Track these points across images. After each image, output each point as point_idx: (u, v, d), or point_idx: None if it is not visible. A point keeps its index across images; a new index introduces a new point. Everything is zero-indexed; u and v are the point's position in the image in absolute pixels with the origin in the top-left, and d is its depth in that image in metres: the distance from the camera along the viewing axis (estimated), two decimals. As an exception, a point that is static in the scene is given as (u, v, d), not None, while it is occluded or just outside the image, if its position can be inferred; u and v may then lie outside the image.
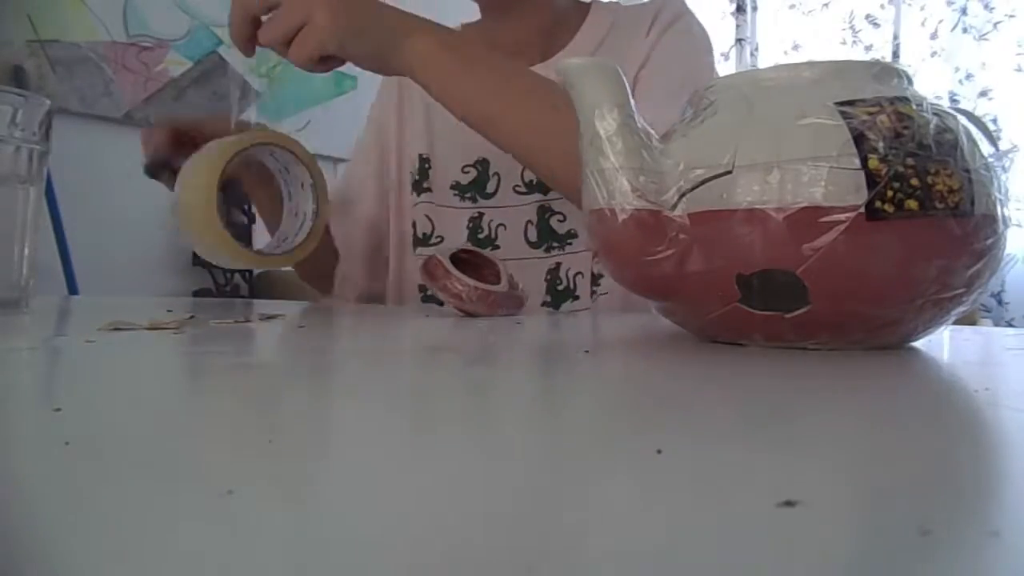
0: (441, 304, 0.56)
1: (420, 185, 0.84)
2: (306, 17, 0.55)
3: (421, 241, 0.84)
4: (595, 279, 0.78)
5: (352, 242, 0.88)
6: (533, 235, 0.79)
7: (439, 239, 0.82)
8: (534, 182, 0.78)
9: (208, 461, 0.15)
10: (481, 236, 0.80)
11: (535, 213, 0.79)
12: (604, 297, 0.76)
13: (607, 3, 0.86)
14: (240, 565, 0.10)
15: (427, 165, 0.84)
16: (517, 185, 0.79)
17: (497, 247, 0.79)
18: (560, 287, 0.78)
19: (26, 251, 0.52)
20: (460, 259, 0.58)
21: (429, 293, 0.75)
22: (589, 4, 0.85)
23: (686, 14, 0.81)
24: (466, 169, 0.81)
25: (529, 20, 0.81)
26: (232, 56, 2.21)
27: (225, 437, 0.17)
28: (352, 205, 0.88)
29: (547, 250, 0.78)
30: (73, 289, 1.70)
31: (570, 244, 0.78)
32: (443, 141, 0.84)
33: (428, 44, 0.57)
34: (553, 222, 0.78)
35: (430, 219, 0.83)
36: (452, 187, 0.82)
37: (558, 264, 0.78)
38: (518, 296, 0.58)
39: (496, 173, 0.80)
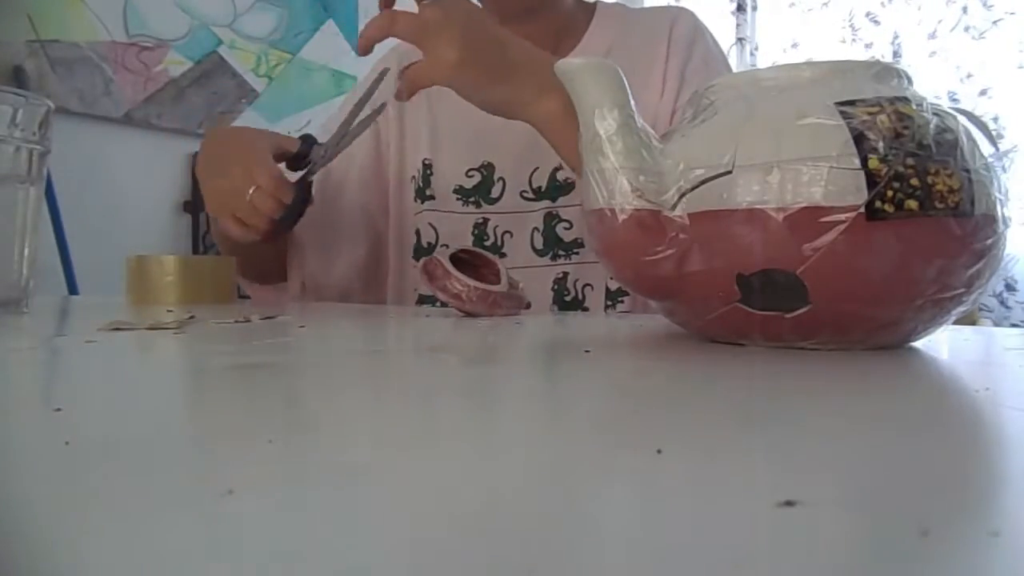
0: (444, 305, 0.56)
1: (423, 192, 0.82)
2: (432, 45, 0.55)
3: (426, 251, 0.82)
4: (613, 295, 0.76)
5: (338, 239, 0.83)
6: (539, 242, 0.78)
7: (444, 248, 0.81)
8: (543, 188, 0.77)
9: (208, 461, 0.15)
10: (487, 243, 0.79)
11: (542, 220, 0.77)
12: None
13: (612, 3, 0.85)
14: (240, 565, 0.10)
15: (429, 171, 0.82)
16: (524, 191, 0.77)
17: (504, 255, 0.78)
18: (568, 298, 0.77)
19: (26, 251, 0.52)
20: (460, 259, 0.58)
21: (437, 304, 0.74)
22: (594, 5, 0.84)
23: (703, 31, 0.81)
24: (470, 173, 0.79)
25: (537, 23, 0.79)
26: (232, 56, 2.21)
27: (225, 437, 0.17)
28: (338, 195, 0.83)
29: (553, 258, 0.77)
30: (73, 289, 1.70)
31: (576, 253, 0.76)
32: (447, 144, 0.82)
33: (554, 108, 0.58)
34: (559, 229, 0.77)
35: (434, 227, 0.81)
36: (455, 191, 0.80)
37: (565, 274, 0.77)
38: (518, 296, 0.58)
39: (501, 178, 0.79)
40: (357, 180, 0.85)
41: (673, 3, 2.86)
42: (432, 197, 0.82)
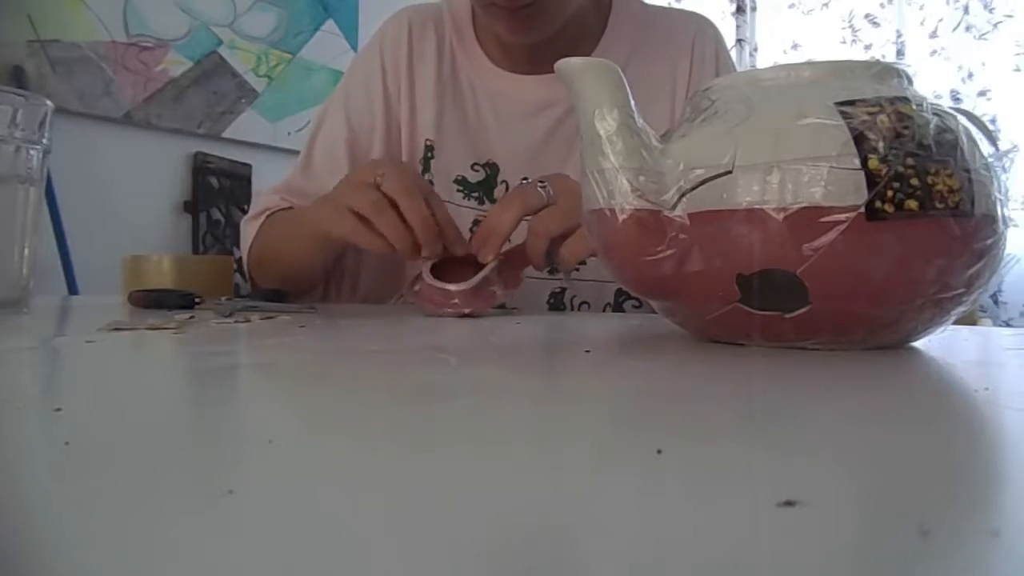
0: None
1: (422, 175, 0.79)
2: (565, 201, 0.57)
3: None
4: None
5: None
6: None
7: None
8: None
9: (208, 461, 0.15)
10: None
11: None
12: None
13: (628, 1, 0.81)
14: (240, 565, 0.10)
15: (430, 154, 0.79)
16: None
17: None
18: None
19: (26, 251, 0.52)
20: (455, 260, 0.58)
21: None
22: (610, 4, 0.80)
23: (724, 45, 0.81)
24: (475, 167, 0.77)
25: (556, 36, 0.74)
26: (232, 56, 2.21)
27: (225, 437, 0.17)
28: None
29: (551, 272, 0.74)
30: (73, 289, 1.70)
31: (577, 270, 0.74)
32: (452, 132, 0.79)
33: None
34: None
35: None
36: (456, 181, 0.77)
37: (562, 289, 0.76)
38: (488, 292, 0.57)
39: (504, 181, 0.77)
40: (381, 150, 0.80)
41: (675, 4, 2.86)
42: (431, 183, 0.78)
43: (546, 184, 0.58)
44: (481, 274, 0.56)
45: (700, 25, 0.81)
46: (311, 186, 0.76)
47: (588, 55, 0.76)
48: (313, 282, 0.77)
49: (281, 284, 0.73)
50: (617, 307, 0.76)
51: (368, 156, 0.79)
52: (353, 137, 0.79)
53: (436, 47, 0.81)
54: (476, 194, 0.78)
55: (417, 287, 0.57)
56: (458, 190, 0.78)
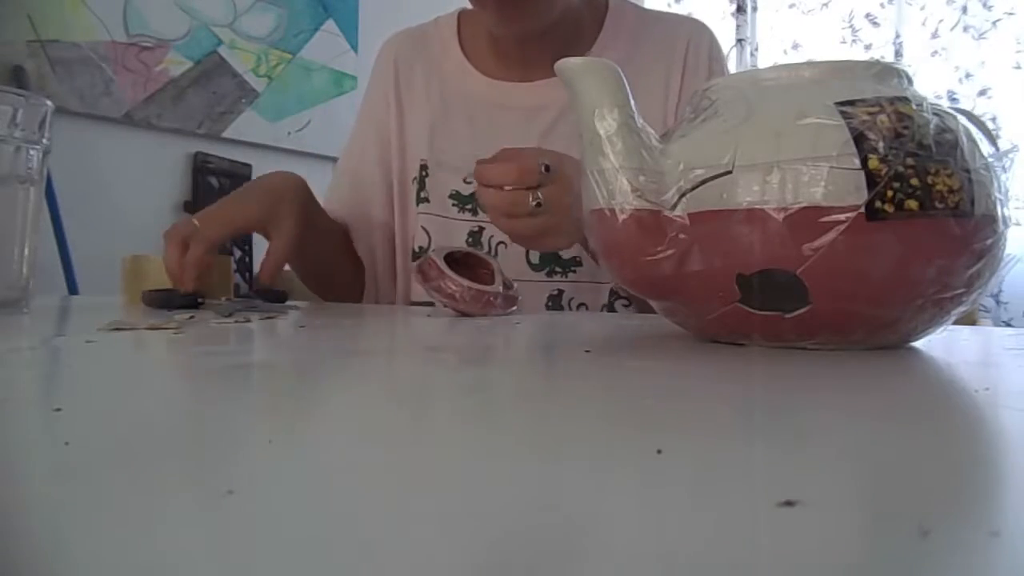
0: (443, 305, 0.56)
1: (418, 195, 0.82)
2: (550, 217, 0.57)
3: (417, 255, 0.81)
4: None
5: (375, 251, 0.85)
6: (535, 257, 0.76)
7: (438, 248, 0.80)
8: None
9: (208, 461, 0.15)
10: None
11: None
12: None
13: (624, 2, 0.83)
14: (240, 565, 0.10)
15: (425, 173, 0.81)
16: None
17: None
18: None
19: (26, 251, 0.52)
20: (454, 259, 0.58)
21: (432, 305, 0.74)
22: (605, 3, 0.81)
23: (719, 48, 0.82)
24: (468, 179, 0.78)
25: (549, 34, 0.75)
26: (232, 56, 2.21)
27: (225, 437, 0.17)
28: (368, 213, 0.85)
29: (549, 274, 0.76)
30: (73, 289, 1.70)
31: (574, 271, 0.76)
32: (445, 148, 0.81)
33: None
34: None
35: (427, 231, 0.81)
36: (451, 196, 0.79)
37: (560, 291, 0.76)
38: (511, 296, 0.58)
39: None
40: (382, 198, 0.86)
41: (675, 3, 2.86)
42: (427, 200, 0.81)
43: (548, 165, 0.57)
44: (498, 272, 0.59)
45: (694, 29, 0.82)
46: (333, 208, 0.86)
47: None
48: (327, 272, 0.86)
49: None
50: (610, 308, 0.77)
51: (369, 183, 0.86)
52: (358, 166, 0.87)
53: (424, 70, 0.85)
54: (469, 206, 0.79)
55: (438, 285, 0.56)
56: (452, 204, 0.80)
